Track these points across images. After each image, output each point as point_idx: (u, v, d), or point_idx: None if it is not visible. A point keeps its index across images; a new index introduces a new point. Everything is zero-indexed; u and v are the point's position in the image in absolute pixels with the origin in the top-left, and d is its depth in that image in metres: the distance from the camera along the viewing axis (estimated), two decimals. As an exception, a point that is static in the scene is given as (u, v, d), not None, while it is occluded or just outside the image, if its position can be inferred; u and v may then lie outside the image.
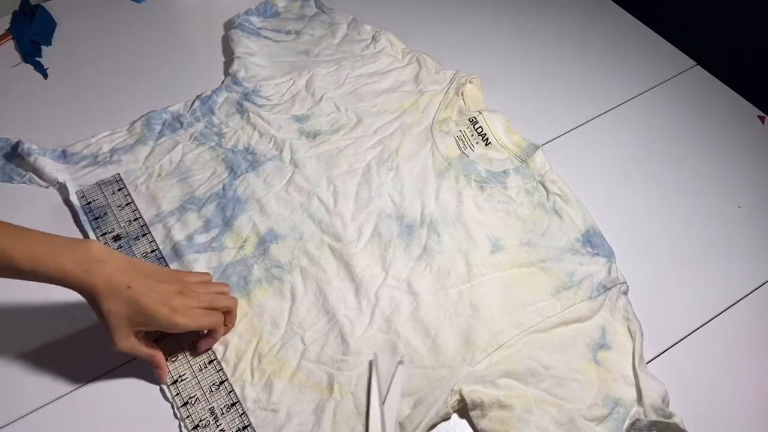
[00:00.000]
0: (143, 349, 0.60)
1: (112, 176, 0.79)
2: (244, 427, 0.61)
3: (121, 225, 0.75)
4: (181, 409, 0.62)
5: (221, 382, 0.64)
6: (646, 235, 0.79)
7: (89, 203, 0.76)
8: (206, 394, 0.63)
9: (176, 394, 0.63)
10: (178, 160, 0.82)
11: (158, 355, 0.62)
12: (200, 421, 0.61)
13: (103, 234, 0.74)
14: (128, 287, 0.57)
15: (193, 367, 0.65)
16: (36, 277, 0.56)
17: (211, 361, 0.65)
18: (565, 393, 0.63)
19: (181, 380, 0.64)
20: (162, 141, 0.83)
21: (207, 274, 0.67)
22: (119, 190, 0.78)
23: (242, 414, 0.62)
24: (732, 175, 0.86)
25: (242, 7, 1.01)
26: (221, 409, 0.62)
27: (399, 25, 1.00)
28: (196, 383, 0.64)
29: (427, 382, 0.64)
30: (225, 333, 0.66)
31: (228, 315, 0.66)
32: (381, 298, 0.70)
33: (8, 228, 0.57)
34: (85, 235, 0.74)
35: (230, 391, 0.63)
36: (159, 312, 0.58)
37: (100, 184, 0.78)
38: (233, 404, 0.62)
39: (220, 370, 0.64)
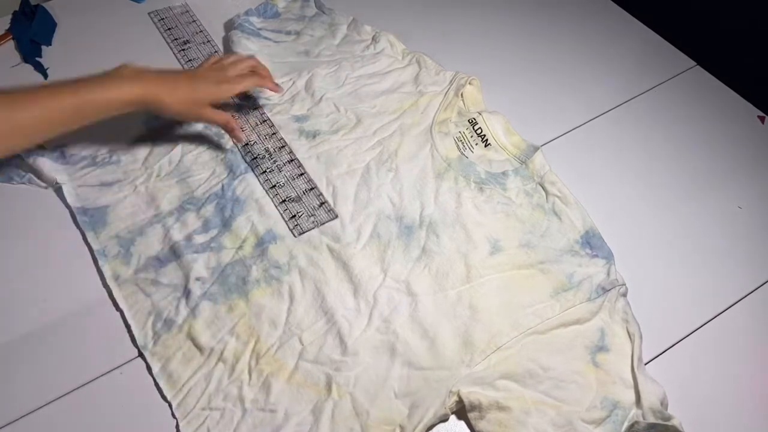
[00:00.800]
0: (220, 115, 0.78)
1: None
2: (291, 160, 0.81)
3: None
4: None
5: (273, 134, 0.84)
6: (646, 236, 0.79)
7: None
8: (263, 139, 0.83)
9: (247, 153, 0.82)
10: (178, 160, 0.82)
11: (232, 120, 0.79)
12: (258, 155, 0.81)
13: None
14: (188, 78, 0.77)
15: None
16: (108, 112, 0.70)
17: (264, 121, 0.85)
18: (563, 395, 0.63)
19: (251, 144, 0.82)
20: (161, 142, 0.83)
21: (222, 58, 0.82)
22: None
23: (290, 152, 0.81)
24: (732, 175, 0.86)
25: (242, 8, 1.01)
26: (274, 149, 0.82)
27: (399, 25, 0.99)
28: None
29: (425, 384, 0.64)
30: (265, 83, 0.82)
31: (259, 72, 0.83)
32: (379, 299, 0.70)
33: (62, 84, 0.68)
34: (84, 236, 0.74)
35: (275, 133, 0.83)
36: (214, 88, 0.77)
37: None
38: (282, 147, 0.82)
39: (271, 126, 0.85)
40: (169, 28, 0.98)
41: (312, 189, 0.78)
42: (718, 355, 0.70)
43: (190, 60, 0.93)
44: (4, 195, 0.78)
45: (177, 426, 0.61)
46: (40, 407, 0.63)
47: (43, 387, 0.64)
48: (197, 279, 0.71)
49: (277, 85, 0.83)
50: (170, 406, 0.63)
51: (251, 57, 0.84)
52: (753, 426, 0.65)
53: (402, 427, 0.61)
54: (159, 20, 1.00)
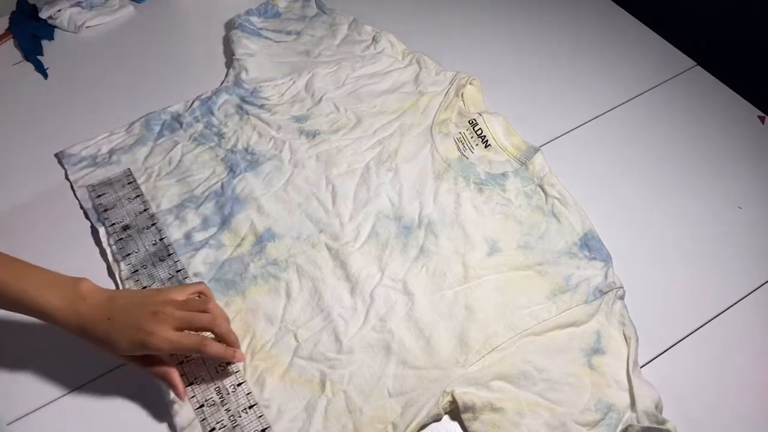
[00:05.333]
0: (151, 368, 0.61)
1: (122, 172, 0.80)
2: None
3: (130, 216, 0.76)
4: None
5: (250, 406, 0.62)
6: (646, 236, 0.79)
7: (99, 196, 0.78)
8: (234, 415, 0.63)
9: (203, 419, 0.61)
10: (178, 160, 0.82)
11: (171, 373, 0.61)
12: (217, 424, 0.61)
13: (112, 224, 0.75)
14: (108, 318, 0.58)
15: (221, 389, 0.64)
16: (23, 309, 0.59)
17: (239, 384, 0.64)
18: (558, 397, 0.63)
19: (208, 405, 0.62)
20: (161, 141, 0.84)
21: (196, 285, 0.65)
22: (129, 183, 0.79)
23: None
24: (732, 175, 0.85)
25: (243, 8, 1.01)
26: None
27: (399, 25, 0.99)
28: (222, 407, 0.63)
29: (419, 383, 0.64)
30: (212, 350, 0.60)
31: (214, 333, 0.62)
32: (376, 298, 0.70)
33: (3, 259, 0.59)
34: (95, 228, 0.75)
35: (260, 416, 0.62)
36: (134, 338, 0.58)
37: (111, 182, 0.79)
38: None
39: (248, 393, 0.63)
40: None
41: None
42: (714, 358, 0.69)
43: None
44: (9, 194, 0.79)
45: (172, 421, 0.62)
46: (42, 407, 0.63)
47: (44, 386, 0.64)
48: (195, 275, 0.71)
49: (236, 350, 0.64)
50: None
51: (208, 316, 0.62)
52: (751, 430, 0.65)
53: (395, 426, 0.61)
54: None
